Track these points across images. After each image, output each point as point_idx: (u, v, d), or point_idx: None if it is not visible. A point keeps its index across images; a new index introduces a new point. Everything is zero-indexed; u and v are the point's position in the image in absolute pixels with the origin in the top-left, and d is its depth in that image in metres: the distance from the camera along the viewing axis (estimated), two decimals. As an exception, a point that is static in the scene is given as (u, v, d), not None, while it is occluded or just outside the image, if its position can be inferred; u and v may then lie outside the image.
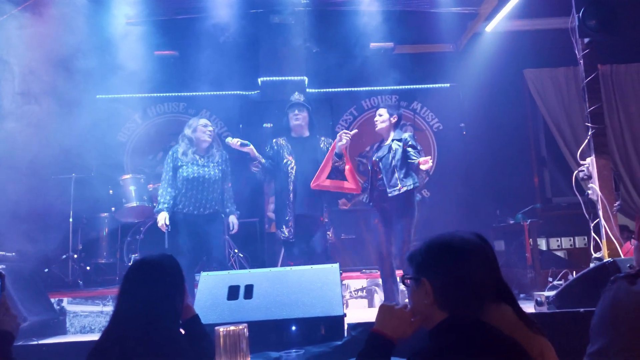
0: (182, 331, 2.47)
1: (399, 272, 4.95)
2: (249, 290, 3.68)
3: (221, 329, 2.08)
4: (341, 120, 8.23)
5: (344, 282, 5.75)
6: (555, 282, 5.29)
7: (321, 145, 5.30)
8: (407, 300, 1.90)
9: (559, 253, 7.81)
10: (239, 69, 7.28)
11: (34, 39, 5.93)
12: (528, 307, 4.30)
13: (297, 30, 7.56)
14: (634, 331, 1.85)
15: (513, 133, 8.20)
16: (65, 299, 5.52)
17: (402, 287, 4.82)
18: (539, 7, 7.31)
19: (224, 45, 7.25)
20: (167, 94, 8.22)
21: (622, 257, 4.52)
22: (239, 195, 5.66)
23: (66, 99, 6.27)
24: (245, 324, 2.14)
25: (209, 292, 3.72)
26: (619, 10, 4.88)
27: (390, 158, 4.94)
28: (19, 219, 5.65)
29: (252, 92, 8.10)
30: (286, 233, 5.11)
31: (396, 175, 4.89)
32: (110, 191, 6.73)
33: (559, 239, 7.96)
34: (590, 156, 5.01)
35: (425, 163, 4.58)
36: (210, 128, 5.29)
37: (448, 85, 8.28)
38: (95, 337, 2.90)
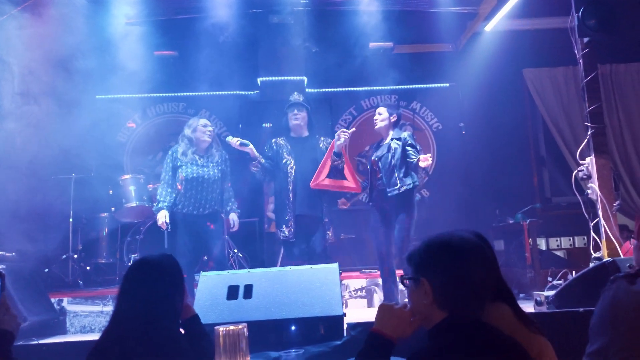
0: (182, 331, 2.48)
1: (399, 272, 4.95)
2: (248, 290, 3.69)
3: (221, 328, 2.08)
4: (340, 120, 8.23)
5: (343, 281, 5.76)
6: (555, 282, 5.28)
7: (320, 145, 5.31)
8: (406, 300, 1.90)
9: (558, 253, 7.81)
10: (239, 69, 7.28)
11: (33, 39, 5.93)
12: (527, 307, 4.29)
13: (296, 30, 7.56)
14: (634, 331, 1.85)
15: (512, 133, 8.20)
16: (65, 299, 5.53)
17: (401, 287, 4.83)
18: (539, 6, 7.30)
19: (224, 45, 7.25)
20: (167, 94, 8.22)
21: (622, 256, 4.52)
22: (238, 195, 5.66)
23: (66, 99, 6.27)
24: (245, 324, 2.14)
25: (208, 291, 3.72)
26: (618, 9, 4.87)
27: (389, 157, 4.94)
28: (18, 219, 5.65)
29: (252, 92, 8.10)
30: (286, 233, 5.11)
31: (395, 174, 4.90)
32: (110, 191, 6.74)
33: (559, 239, 7.96)
34: (589, 156, 5.01)
35: (425, 160, 4.58)
36: (210, 128, 5.30)
37: (447, 85, 8.28)
38: (95, 337, 2.90)
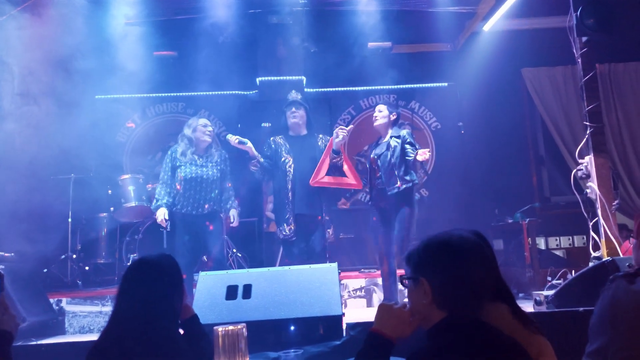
0: (181, 331, 2.48)
1: (399, 272, 4.95)
2: (247, 290, 3.68)
3: (220, 328, 2.08)
4: (339, 120, 8.22)
5: (342, 281, 5.76)
6: (554, 281, 5.29)
7: (319, 143, 5.30)
8: (406, 299, 1.90)
9: (557, 252, 7.82)
10: (238, 69, 7.27)
11: (33, 40, 5.92)
12: (527, 307, 4.30)
13: (295, 30, 7.56)
14: (633, 330, 1.85)
15: (511, 132, 8.21)
16: (64, 299, 5.52)
17: (401, 286, 4.83)
18: (537, 6, 7.30)
19: (223, 45, 7.24)
20: (166, 94, 8.21)
21: (621, 256, 4.52)
22: (237, 195, 5.66)
23: (65, 99, 6.27)
24: (244, 324, 2.14)
25: (207, 292, 3.72)
26: (616, 9, 4.88)
27: (389, 155, 4.94)
28: (18, 219, 5.65)
29: (251, 92, 8.09)
30: (287, 231, 5.10)
31: (395, 172, 4.90)
32: (109, 191, 6.73)
33: (558, 238, 7.96)
34: (588, 155, 5.01)
35: (423, 154, 4.59)
36: (210, 128, 5.30)
37: (446, 84, 8.28)
38: (94, 337, 2.90)
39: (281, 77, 7.76)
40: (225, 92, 7.99)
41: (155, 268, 2.34)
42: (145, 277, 2.31)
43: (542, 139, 8.62)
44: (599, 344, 1.91)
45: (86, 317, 5.46)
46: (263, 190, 7.45)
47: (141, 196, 6.52)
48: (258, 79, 7.88)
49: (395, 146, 4.94)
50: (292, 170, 5.16)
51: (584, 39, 5.07)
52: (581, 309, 3.78)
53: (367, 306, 5.88)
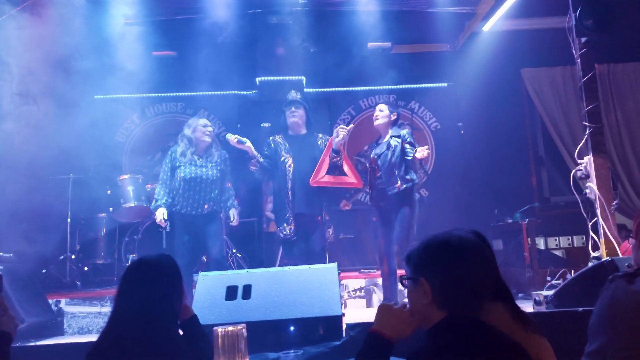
0: (181, 332, 2.47)
1: (400, 272, 4.94)
2: (247, 291, 3.68)
3: (219, 329, 2.08)
4: (339, 120, 8.22)
5: (342, 281, 5.76)
6: (554, 282, 5.28)
7: (319, 143, 5.29)
8: (405, 300, 1.90)
9: (557, 252, 7.82)
10: (237, 69, 7.26)
11: (32, 40, 5.92)
12: (526, 307, 4.30)
13: (294, 30, 7.55)
14: (632, 330, 1.85)
15: (511, 132, 8.21)
16: (63, 300, 5.51)
17: (401, 287, 4.83)
18: (536, 6, 7.30)
19: (222, 45, 7.24)
20: (165, 94, 8.20)
21: (620, 256, 4.52)
22: (237, 194, 5.66)
23: (64, 99, 6.26)
24: (244, 324, 2.13)
25: (207, 292, 3.72)
26: (615, 9, 4.88)
27: (389, 155, 4.94)
28: (17, 219, 5.65)
29: (250, 92, 8.09)
30: (287, 231, 5.08)
31: (395, 172, 4.90)
32: (108, 191, 6.73)
33: (557, 238, 7.97)
34: (587, 155, 5.01)
35: (422, 152, 4.59)
36: (210, 128, 5.30)
37: (446, 84, 8.28)
38: (93, 338, 2.90)
39: (281, 77, 7.76)
40: (224, 92, 7.99)
41: (155, 268, 2.33)
42: (145, 277, 2.31)
43: (541, 139, 8.62)
44: (598, 344, 1.91)
45: (85, 318, 5.45)
46: (263, 191, 7.45)
47: (140, 196, 6.52)
48: (258, 79, 7.89)
49: (396, 146, 4.94)
50: (291, 170, 5.15)
51: (583, 39, 5.08)
52: (580, 309, 3.78)
53: (367, 306, 5.88)
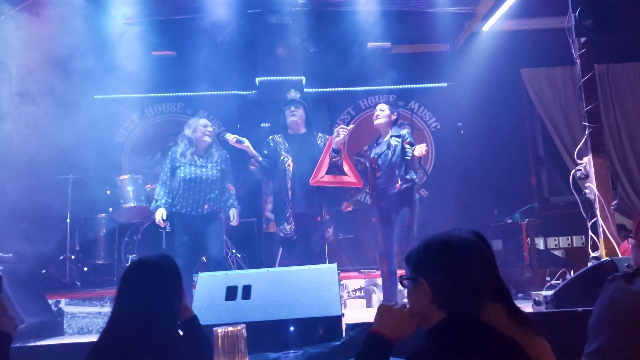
0: (181, 332, 2.47)
1: (401, 272, 4.94)
2: (246, 291, 3.68)
3: (219, 329, 2.08)
4: (339, 120, 8.22)
5: (341, 282, 5.75)
6: (553, 282, 5.28)
7: (318, 142, 5.28)
8: (405, 300, 1.90)
9: (556, 252, 7.82)
10: (237, 69, 7.26)
11: (31, 40, 5.92)
12: (526, 307, 4.30)
13: (294, 30, 7.55)
14: (632, 330, 1.85)
15: (510, 132, 8.22)
16: (62, 300, 5.51)
17: (400, 287, 4.83)
18: (536, 6, 7.31)
19: (222, 45, 7.24)
20: (165, 94, 8.20)
21: (620, 256, 4.53)
22: (236, 195, 5.66)
23: (64, 99, 6.26)
24: (244, 325, 2.13)
25: (207, 292, 3.71)
26: (615, 9, 4.88)
27: (389, 155, 4.94)
28: (16, 219, 5.66)
29: (250, 92, 8.09)
30: (288, 230, 5.06)
31: (396, 172, 4.91)
32: (108, 192, 6.72)
33: (557, 238, 7.98)
34: (587, 155, 5.01)
35: (420, 149, 4.60)
36: (210, 128, 5.30)
37: (445, 84, 8.28)
38: (93, 338, 2.90)
39: (280, 77, 7.76)
40: (224, 92, 7.98)
41: (154, 269, 2.33)
42: (144, 277, 2.31)
43: (541, 139, 8.63)
44: (597, 344, 1.91)
45: (85, 318, 5.46)
46: (262, 191, 7.45)
47: (140, 196, 6.51)
48: (257, 79, 7.88)
49: (396, 145, 4.94)
50: (291, 169, 5.14)
51: (583, 39, 5.07)
52: (580, 309, 3.78)
53: (367, 307, 5.88)
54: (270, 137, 5.36)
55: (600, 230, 4.82)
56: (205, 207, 5.15)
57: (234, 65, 7.09)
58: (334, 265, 3.90)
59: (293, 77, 7.70)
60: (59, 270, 6.52)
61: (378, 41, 7.77)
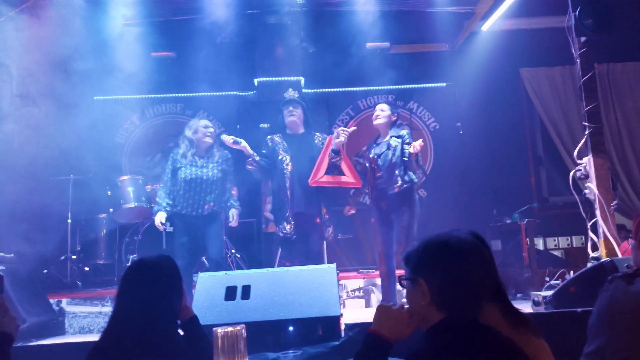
0: (181, 332, 2.48)
1: (400, 272, 4.94)
2: (246, 291, 3.69)
3: (219, 329, 2.08)
4: (337, 120, 8.22)
5: (340, 282, 5.76)
6: (553, 282, 5.27)
7: (317, 142, 5.28)
8: (404, 300, 1.90)
9: (556, 252, 7.82)
10: (236, 69, 7.27)
11: (31, 41, 5.92)
12: (525, 307, 4.30)
13: (293, 31, 7.56)
14: (631, 331, 1.85)
15: (510, 132, 8.21)
16: (64, 300, 5.53)
17: (399, 287, 4.83)
18: (535, 6, 7.31)
19: (221, 46, 7.25)
20: (165, 95, 8.21)
21: (620, 256, 4.53)
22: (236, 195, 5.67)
23: (64, 100, 6.27)
24: (243, 325, 2.14)
25: (206, 292, 3.72)
26: (615, 9, 4.88)
27: (389, 155, 4.95)
28: (17, 220, 5.66)
29: (249, 93, 8.10)
30: (287, 229, 5.06)
31: (396, 172, 4.91)
32: (109, 192, 6.73)
33: (556, 239, 7.98)
34: (587, 155, 5.01)
35: (415, 146, 4.61)
36: (211, 129, 5.30)
37: (444, 84, 8.28)
38: (94, 337, 2.91)
39: (279, 78, 7.76)
40: (223, 93, 7.99)
41: (154, 269, 2.34)
42: (145, 278, 2.32)
43: (540, 139, 8.63)
44: (597, 345, 1.91)
45: (86, 318, 5.47)
46: (262, 191, 7.45)
47: (140, 197, 6.53)
48: (256, 80, 7.89)
49: (396, 146, 4.95)
50: (289, 169, 5.14)
51: (583, 39, 5.07)
52: (579, 309, 3.79)
53: (366, 307, 5.88)
54: (269, 136, 5.36)
55: (600, 231, 4.81)
56: (206, 207, 5.15)
57: (233, 65, 7.10)
58: (333, 266, 3.91)
59: (292, 78, 7.70)
60: (60, 270, 6.54)
61: (377, 41, 7.77)
